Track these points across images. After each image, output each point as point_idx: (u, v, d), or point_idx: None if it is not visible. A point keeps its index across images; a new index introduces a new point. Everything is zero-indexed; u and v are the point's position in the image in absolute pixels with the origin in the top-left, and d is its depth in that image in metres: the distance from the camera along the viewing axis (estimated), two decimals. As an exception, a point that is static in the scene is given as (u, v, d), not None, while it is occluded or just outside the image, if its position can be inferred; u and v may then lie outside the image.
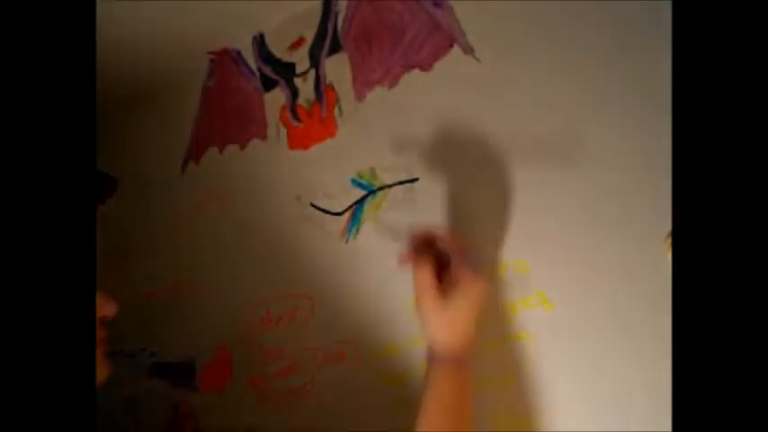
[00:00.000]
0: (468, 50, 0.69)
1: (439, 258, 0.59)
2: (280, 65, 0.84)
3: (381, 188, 0.73)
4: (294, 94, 0.82)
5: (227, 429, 0.81)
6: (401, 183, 0.71)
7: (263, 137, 0.85)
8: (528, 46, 0.65)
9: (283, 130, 0.83)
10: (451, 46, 0.70)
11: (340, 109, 0.78)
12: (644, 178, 0.57)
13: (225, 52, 0.89)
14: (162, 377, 0.90)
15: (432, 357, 0.58)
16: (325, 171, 0.77)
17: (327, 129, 0.79)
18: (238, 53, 0.88)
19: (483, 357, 0.62)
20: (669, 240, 0.55)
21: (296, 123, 0.82)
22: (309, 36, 0.81)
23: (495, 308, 0.63)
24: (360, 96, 0.77)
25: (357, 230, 0.74)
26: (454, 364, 0.57)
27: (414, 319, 0.67)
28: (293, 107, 0.82)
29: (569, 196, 0.61)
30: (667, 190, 0.53)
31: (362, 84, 0.77)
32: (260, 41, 0.86)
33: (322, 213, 0.77)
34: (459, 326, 0.57)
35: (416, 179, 0.69)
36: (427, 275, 0.57)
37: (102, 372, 0.58)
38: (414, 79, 0.73)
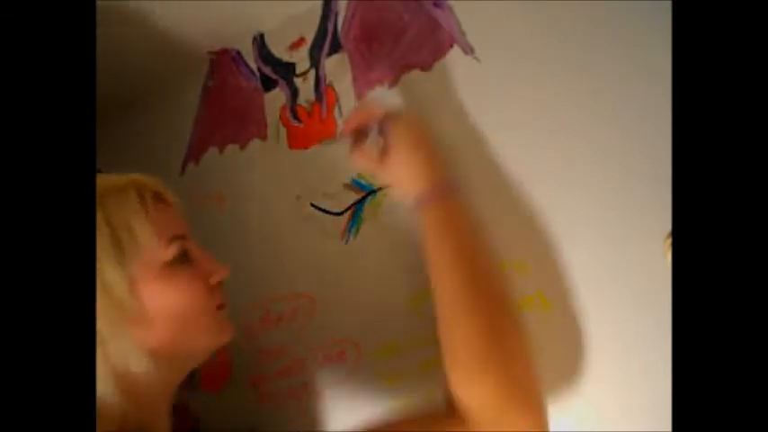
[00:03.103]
0: (468, 50, 0.69)
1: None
2: (280, 65, 0.84)
3: (381, 188, 0.73)
4: (294, 94, 0.82)
5: (227, 429, 0.81)
6: (401, 183, 0.71)
7: (263, 137, 0.85)
8: (528, 46, 0.65)
9: (283, 130, 0.83)
10: (451, 46, 0.70)
11: (340, 109, 0.78)
12: (644, 178, 0.57)
13: (225, 52, 0.89)
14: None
15: (416, 206, 0.59)
16: (326, 171, 0.77)
17: (327, 129, 0.79)
18: (238, 53, 0.88)
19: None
20: (669, 240, 0.55)
21: (296, 123, 0.82)
22: (309, 36, 0.81)
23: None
24: (360, 96, 0.77)
25: (357, 230, 0.74)
26: (436, 196, 0.58)
27: (414, 319, 0.68)
28: (293, 107, 0.82)
29: (569, 196, 0.61)
30: (667, 190, 0.53)
31: (362, 84, 0.77)
32: (260, 41, 0.86)
33: (322, 213, 0.77)
34: (411, 166, 0.59)
35: (416, 179, 0.69)
36: (362, 146, 0.63)
37: (226, 334, 0.60)
38: (414, 79, 0.73)
